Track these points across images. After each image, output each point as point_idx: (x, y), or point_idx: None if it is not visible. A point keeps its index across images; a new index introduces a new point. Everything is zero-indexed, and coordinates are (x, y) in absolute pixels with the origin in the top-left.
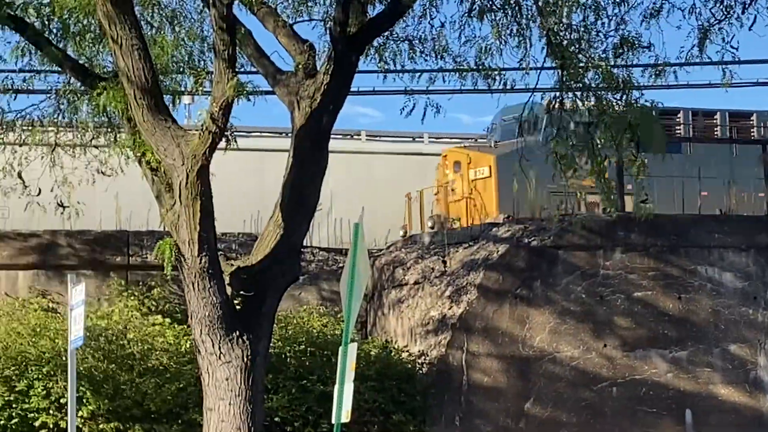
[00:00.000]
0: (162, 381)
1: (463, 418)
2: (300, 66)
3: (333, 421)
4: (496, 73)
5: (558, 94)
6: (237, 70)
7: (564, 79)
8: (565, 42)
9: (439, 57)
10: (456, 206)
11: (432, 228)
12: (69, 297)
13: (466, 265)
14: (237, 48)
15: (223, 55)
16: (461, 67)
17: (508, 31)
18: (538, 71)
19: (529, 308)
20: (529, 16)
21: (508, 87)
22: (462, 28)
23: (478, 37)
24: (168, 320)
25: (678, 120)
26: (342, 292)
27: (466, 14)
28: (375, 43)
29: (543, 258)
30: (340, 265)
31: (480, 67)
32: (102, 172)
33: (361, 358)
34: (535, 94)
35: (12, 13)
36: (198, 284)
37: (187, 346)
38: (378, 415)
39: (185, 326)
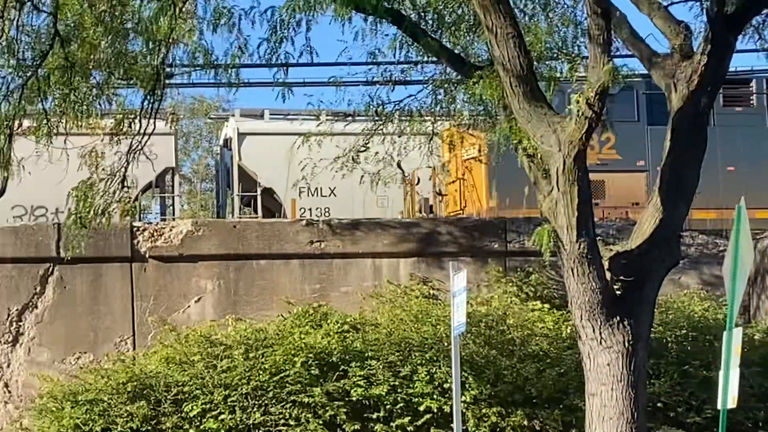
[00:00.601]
0: (542, 366)
1: None
2: (676, 48)
3: (718, 407)
4: None
5: None
6: (611, 54)
7: None
8: None
9: None
10: (451, 188)
11: (420, 212)
12: (451, 284)
13: None
14: (612, 32)
15: (598, 40)
16: None
17: None
18: None
19: None
20: None
21: None
22: None
23: None
24: (547, 306)
25: None
26: (725, 276)
27: None
28: (753, 22)
29: None
30: (721, 248)
31: None
32: (478, 160)
33: (745, 343)
34: None
35: (389, 7)
36: (577, 270)
37: (567, 331)
38: (764, 401)
39: (564, 312)
